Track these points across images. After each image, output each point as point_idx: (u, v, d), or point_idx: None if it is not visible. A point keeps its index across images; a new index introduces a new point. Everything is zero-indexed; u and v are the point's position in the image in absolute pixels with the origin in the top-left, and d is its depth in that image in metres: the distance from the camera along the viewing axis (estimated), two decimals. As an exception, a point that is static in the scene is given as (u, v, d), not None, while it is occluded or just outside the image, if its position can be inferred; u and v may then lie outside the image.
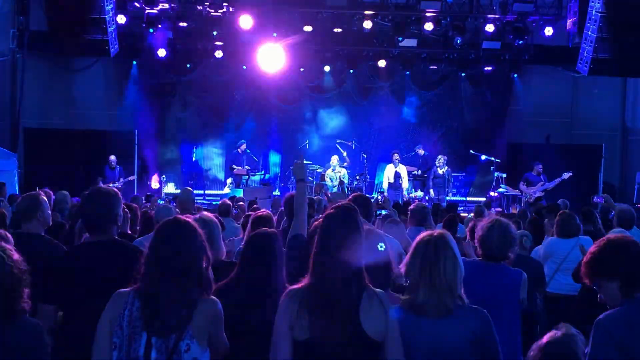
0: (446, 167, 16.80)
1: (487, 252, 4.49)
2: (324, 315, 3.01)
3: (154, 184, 17.37)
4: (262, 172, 17.52)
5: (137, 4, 16.48)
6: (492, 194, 16.46)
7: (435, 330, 3.18)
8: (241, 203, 11.26)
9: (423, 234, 3.38)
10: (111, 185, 15.54)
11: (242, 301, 3.75)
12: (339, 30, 16.97)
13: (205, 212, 4.85)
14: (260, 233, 4.11)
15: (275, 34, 16.82)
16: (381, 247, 3.72)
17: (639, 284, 3.16)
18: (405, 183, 16.83)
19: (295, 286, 3.18)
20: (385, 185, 16.92)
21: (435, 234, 3.34)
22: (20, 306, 3.05)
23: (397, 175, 16.68)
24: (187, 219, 3.32)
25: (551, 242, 7.10)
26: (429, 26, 16.68)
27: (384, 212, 7.55)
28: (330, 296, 3.04)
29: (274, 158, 19.23)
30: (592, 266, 3.30)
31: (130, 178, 16.45)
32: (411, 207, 7.93)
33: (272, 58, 16.56)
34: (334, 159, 16.86)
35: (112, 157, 16.10)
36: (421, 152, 17.66)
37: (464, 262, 3.44)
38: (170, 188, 17.86)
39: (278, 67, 16.85)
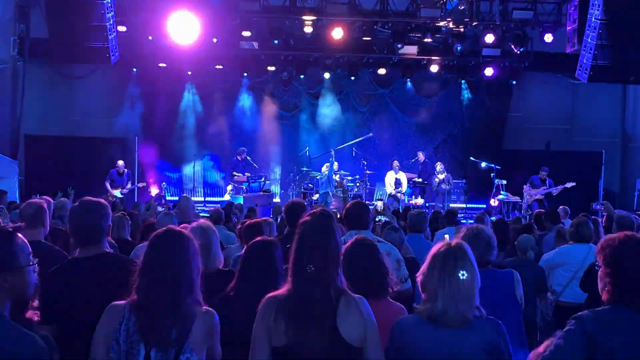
0: (445, 174, 16.82)
1: None
2: (300, 321, 3.03)
3: (154, 191, 17.37)
4: (263, 179, 17.52)
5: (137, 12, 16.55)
6: (492, 201, 16.46)
7: (452, 341, 3.17)
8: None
9: (440, 244, 3.36)
10: (119, 190, 15.51)
11: (242, 311, 3.69)
12: (339, 37, 16.97)
13: (202, 220, 4.83)
14: (259, 241, 4.08)
15: (276, 42, 16.89)
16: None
17: (621, 289, 3.07)
18: (403, 189, 16.84)
19: (273, 293, 3.20)
20: (388, 191, 16.91)
21: (453, 244, 3.33)
22: (27, 317, 3.01)
23: (398, 182, 16.70)
24: (180, 230, 3.29)
25: (564, 250, 6.99)
26: (429, 33, 16.72)
27: (383, 218, 7.55)
28: (307, 302, 3.06)
29: (275, 165, 19.24)
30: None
31: (140, 185, 16.42)
32: (410, 213, 7.94)
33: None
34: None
35: (120, 162, 16.06)
36: (422, 157, 17.66)
37: None
38: (170, 195, 17.86)
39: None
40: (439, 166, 16.93)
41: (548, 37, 16.90)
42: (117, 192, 15.48)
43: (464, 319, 3.18)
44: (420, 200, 16.81)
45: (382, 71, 18.10)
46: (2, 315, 2.83)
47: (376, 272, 3.90)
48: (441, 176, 16.77)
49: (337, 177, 16.66)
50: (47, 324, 3.64)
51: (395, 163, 16.91)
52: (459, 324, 3.18)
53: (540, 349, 3.01)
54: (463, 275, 3.19)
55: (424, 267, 3.34)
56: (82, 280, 3.77)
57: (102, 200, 4.12)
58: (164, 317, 3.01)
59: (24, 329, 2.84)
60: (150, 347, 2.99)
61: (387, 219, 7.50)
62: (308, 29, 16.63)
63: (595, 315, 3.02)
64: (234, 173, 17.05)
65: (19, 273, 2.82)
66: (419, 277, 3.35)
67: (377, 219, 7.53)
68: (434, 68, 17.94)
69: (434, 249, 3.36)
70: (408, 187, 17.12)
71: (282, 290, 3.18)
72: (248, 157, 17.28)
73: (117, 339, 3.02)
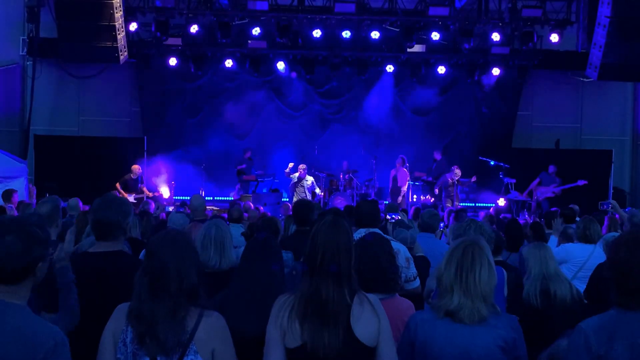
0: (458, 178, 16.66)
1: None
2: (314, 322, 3.02)
3: (164, 190, 17.35)
4: (271, 178, 17.51)
5: (147, 12, 16.60)
6: (501, 199, 16.40)
7: (467, 337, 3.20)
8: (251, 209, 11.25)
9: (459, 240, 3.40)
10: (134, 195, 15.35)
11: (241, 311, 3.68)
12: (348, 36, 16.95)
13: (218, 217, 4.83)
14: (255, 239, 4.02)
15: (284, 40, 16.88)
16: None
17: (625, 290, 2.91)
18: (404, 187, 16.70)
19: (287, 293, 3.19)
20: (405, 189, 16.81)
21: (471, 240, 3.35)
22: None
23: (395, 179, 16.65)
24: (179, 231, 3.26)
25: (567, 248, 6.91)
26: (437, 32, 16.69)
27: (395, 216, 7.52)
28: (320, 302, 3.04)
29: (283, 164, 19.20)
30: None
31: (150, 194, 16.05)
32: (422, 213, 7.91)
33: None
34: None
35: (135, 168, 15.83)
36: (438, 156, 17.61)
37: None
38: (180, 194, 17.84)
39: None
40: (456, 170, 16.57)
41: (557, 36, 16.85)
42: (130, 198, 15.15)
43: (479, 316, 3.20)
44: (427, 198, 16.78)
45: (390, 69, 17.98)
46: (25, 306, 2.83)
47: (388, 268, 3.89)
48: (455, 179, 16.49)
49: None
50: (53, 313, 3.63)
51: (399, 160, 16.82)
52: (473, 320, 3.20)
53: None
54: (479, 272, 3.20)
55: (441, 262, 3.35)
56: (90, 275, 3.77)
57: (125, 198, 4.13)
58: (159, 325, 2.95)
59: (46, 320, 2.85)
60: (153, 355, 2.97)
61: (400, 217, 7.46)
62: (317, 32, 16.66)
63: (599, 322, 2.94)
64: (242, 172, 17.04)
65: (47, 262, 2.93)
66: (436, 272, 3.36)
67: (388, 217, 7.48)
68: (442, 67, 17.86)
69: (452, 245, 3.39)
70: (410, 184, 16.98)
71: (296, 289, 3.16)
72: (255, 157, 17.25)
73: (124, 340, 3.01)
